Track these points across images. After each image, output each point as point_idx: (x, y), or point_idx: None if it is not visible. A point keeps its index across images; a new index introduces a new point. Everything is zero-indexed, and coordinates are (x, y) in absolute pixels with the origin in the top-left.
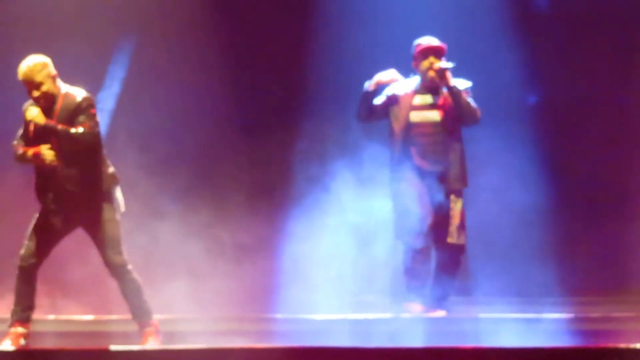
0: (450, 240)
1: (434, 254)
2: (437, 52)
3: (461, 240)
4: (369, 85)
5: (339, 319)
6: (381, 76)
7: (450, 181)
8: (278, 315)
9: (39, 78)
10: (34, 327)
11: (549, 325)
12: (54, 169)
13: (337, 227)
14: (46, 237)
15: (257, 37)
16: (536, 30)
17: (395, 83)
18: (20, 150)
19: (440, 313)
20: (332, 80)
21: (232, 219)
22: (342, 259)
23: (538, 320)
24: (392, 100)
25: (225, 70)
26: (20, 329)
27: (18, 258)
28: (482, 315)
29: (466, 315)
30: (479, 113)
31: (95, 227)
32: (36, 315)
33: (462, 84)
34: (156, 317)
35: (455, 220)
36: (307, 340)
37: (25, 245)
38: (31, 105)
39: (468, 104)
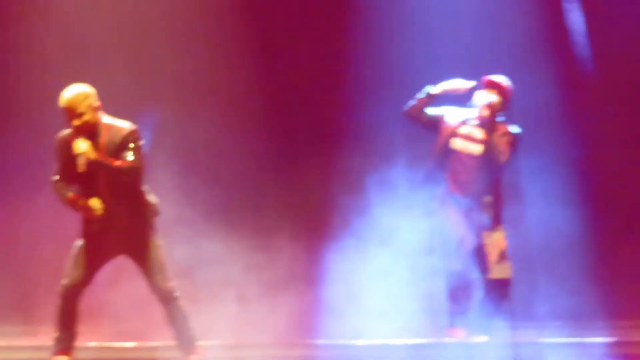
0: (490, 275)
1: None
2: (500, 90)
3: (500, 275)
4: (433, 89)
5: (381, 344)
6: (448, 84)
7: (483, 213)
8: (323, 341)
9: (81, 108)
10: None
11: (594, 349)
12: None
13: (381, 251)
14: (91, 264)
15: (298, 58)
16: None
17: (452, 108)
18: (69, 194)
19: (482, 338)
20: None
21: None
22: (388, 283)
23: (583, 345)
24: (441, 120)
25: (267, 92)
26: (64, 358)
27: (61, 286)
28: (525, 339)
29: (509, 340)
30: (503, 157)
31: (142, 254)
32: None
33: (509, 128)
34: (200, 343)
35: (492, 256)
36: None
37: (69, 273)
38: (77, 137)
39: (496, 143)
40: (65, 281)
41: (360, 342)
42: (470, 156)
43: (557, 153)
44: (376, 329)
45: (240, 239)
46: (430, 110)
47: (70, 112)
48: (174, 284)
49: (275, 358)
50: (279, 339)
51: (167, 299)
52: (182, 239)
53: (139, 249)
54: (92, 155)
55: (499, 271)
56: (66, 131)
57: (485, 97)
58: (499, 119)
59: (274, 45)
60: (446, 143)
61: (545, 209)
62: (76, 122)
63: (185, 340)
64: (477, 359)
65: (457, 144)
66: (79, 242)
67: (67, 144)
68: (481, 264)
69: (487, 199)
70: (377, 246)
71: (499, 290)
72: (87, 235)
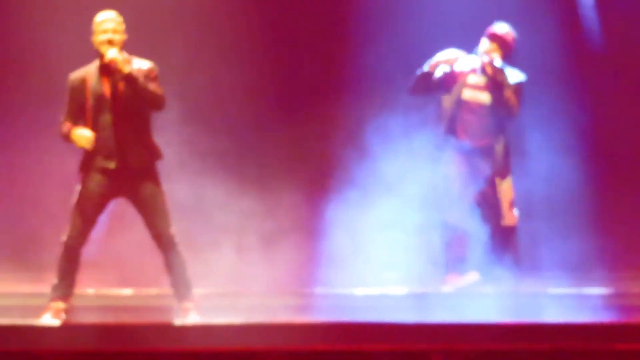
0: (503, 222)
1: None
2: (502, 42)
3: (511, 221)
4: (428, 65)
5: (380, 294)
6: (441, 56)
7: (494, 160)
8: (321, 290)
9: (119, 26)
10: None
11: (590, 300)
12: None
13: (383, 202)
14: (93, 212)
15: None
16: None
17: (456, 60)
18: (70, 128)
19: (487, 287)
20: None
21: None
22: (389, 234)
23: (579, 296)
24: (449, 76)
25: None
26: (61, 304)
27: (64, 235)
28: (527, 290)
29: (514, 289)
30: (516, 110)
31: (146, 198)
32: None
33: (514, 76)
34: (196, 291)
35: (504, 202)
36: (348, 315)
37: (71, 222)
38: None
39: (507, 98)
40: (68, 232)
41: (359, 292)
42: (479, 105)
43: (561, 104)
44: (376, 279)
45: (241, 187)
46: (435, 73)
47: (115, 23)
48: (175, 230)
49: (272, 307)
50: (277, 289)
51: (168, 246)
52: (182, 186)
53: (143, 192)
54: (125, 66)
55: (509, 218)
56: (80, 70)
57: (486, 51)
58: (502, 66)
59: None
60: (458, 94)
61: (548, 160)
62: (116, 37)
63: (181, 288)
64: (480, 308)
65: (466, 94)
66: (80, 187)
67: (82, 81)
68: (490, 211)
69: (498, 147)
70: (380, 196)
71: (508, 237)
72: (88, 177)
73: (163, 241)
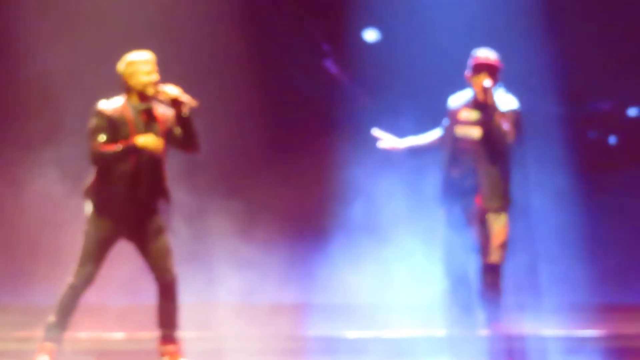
0: (487, 260)
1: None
2: (490, 69)
3: (496, 260)
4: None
5: (379, 337)
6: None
7: (485, 199)
8: (312, 333)
9: (152, 67)
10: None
11: (584, 343)
12: (132, 175)
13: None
14: (103, 251)
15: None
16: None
17: (451, 96)
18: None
19: (479, 330)
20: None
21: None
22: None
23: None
24: (450, 117)
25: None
26: (56, 345)
27: (72, 276)
28: (521, 331)
29: (507, 333)
30: (509, 138)
31: (152, 236)
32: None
33: (509, 103)
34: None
35: (494, 240)
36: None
37: (81, 263)
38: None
39: (498, 125)
40: (76, 272)
41: (350, 335)
42: (471, 141)
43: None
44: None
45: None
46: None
47: (148, 69)
48: (176, 270)
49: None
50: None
51: (171, 285)
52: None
53: (150, 230)
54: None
55: (494, 256)
56: (112, 102)
57: (477, 81)
58: (496, 94)
59: (273, 42)
60: (452, 131)
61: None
62: (156, 77)
63: (170, 330)
64: (468, 352)
65: (459, 131)
66: (90, 227)
67: (120, 115)
68: (481, 247)
69: (491, 181)
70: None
71: (491, 275)
72: (99, 216)
73: (167, 280)
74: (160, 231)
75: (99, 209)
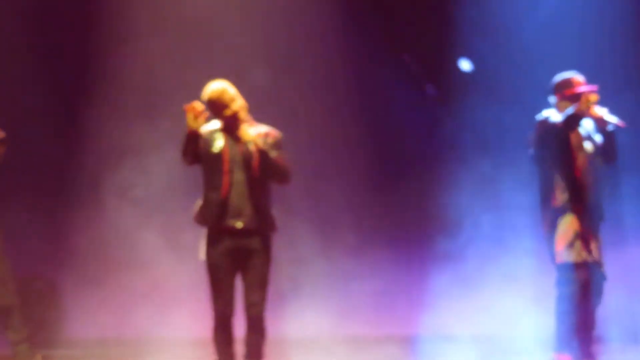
0: (556, 260)
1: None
2: (583, 93)
3: (561, 259)
4: None
5: None
6: None
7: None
8: None
9: (227, 96)
10: None
11: None
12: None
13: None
14: (230, 278)
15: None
16: None
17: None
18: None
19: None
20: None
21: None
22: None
23: None
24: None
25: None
26: None
27: (216, 312)
28: None
29: None
30: (613, 157)
31: (254, 266)
32: None
33: (613, 122)
34: None
35: (558, 238)
36: None
37: (215, 294)
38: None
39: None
40: (215, 304)
41: None
42: (587, 158)
43: None
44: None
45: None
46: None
47: (220, 103)
48: (265, 306)
49: None
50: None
51: (260, 318)
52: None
53: (253, 259)
54: (259, 142)
55: (559, 256)
56: (212, 124)
57: (595, 109)
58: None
59: (380, 67)
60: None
61: None
62: (227, 112)
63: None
64: None
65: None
66: (208, 258)
67: (210, 137)
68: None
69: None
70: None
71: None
72: (213, 246)
73: (249, 313)
74: (262, 261)
75: (211, 233)
